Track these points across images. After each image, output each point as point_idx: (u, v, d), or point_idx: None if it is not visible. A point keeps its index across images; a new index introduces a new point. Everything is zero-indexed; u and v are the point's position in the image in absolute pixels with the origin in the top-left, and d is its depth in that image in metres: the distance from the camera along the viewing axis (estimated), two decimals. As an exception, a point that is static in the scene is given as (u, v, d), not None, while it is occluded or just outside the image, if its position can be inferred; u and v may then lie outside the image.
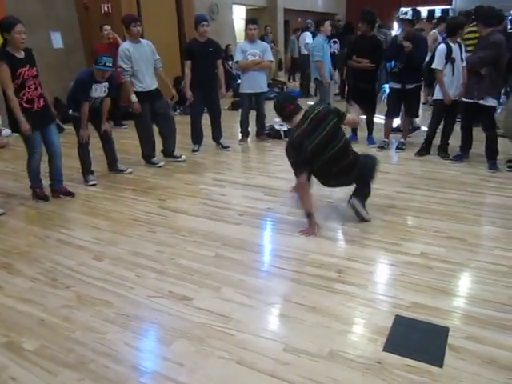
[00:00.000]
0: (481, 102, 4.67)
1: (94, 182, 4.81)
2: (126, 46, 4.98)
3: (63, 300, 2.70)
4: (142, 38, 5.18)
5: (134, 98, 5.00)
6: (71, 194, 4.50)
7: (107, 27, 7.40)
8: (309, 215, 3.44)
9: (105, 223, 3.83)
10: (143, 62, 5.03)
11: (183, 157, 5.60)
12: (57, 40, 8.37)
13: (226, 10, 12.41)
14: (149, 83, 5.11)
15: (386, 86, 6.33)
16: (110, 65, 4.45)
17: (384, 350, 2.17)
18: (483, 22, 4.62)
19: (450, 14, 15.43)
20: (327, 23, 6.52)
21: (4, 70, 3.81)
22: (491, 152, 4.87)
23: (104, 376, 2.07)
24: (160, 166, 5.34)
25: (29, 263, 3.17)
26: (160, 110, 5.23)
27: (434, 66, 4.98)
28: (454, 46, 4.91)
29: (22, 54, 3.96)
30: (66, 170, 5.02)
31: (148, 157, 5.42)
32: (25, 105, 3.99)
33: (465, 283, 2.82)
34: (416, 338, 2.25)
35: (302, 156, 3.36)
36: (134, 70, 4.97)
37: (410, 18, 5.20)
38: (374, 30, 6.11)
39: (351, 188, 3.67)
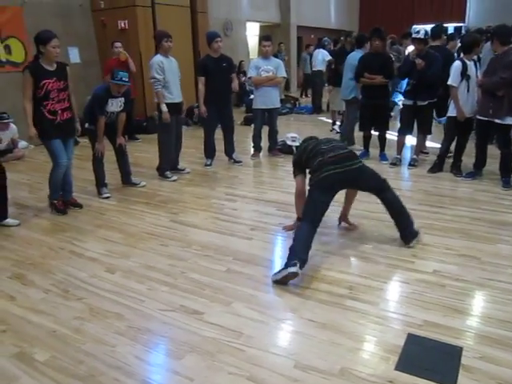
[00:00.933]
0: (498, 120, 4.65)
1: (108, 195, 4.86)
2: (159, 58, 5.13)
3: (75, 312, 2.72)
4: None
5: (164, 107, 5.11)
6: (80, 206, 4.55)
7: (118, 44, 7.59)
8: (298, 219, 3.58)
9: (117, 236, 3.86)
10: (172, 75, 5.19)
11: (187, 169, 5.74)
12: (74, 55, 8.55)
13: (239, 27, 12.59)
14: (177, 95, 5.25)
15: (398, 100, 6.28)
16: (127, 79, 4.55)
17: (396, 368, 2.14)
18: (500, 40, 4.61)
19: (463, 31, 15.46)
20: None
21: (26, 78, 3.97)
22: (505, 170, 4.83)
23: (114, 389, 2.07)
24: (174, 180, 5.39)
25: (42, 274, 3.20)
26: (177, 127, 5.34)
27: (449, 82, 4.98)
28: (470, 64, 4.92)
29: (53, 67, 4.10)
30: (81, 182, 5.10)
31: (163, 169, 5.47)
32: (47, 115, 4.09)
33: (478, 302, 2.78)
34: (429, 358, 2.22)
35: (300, 158, 3.62)
36: (165, 81, 5.11)
37: (422, 37, 5.24)
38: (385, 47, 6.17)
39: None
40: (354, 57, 6.24)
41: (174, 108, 5.19)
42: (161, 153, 5.43)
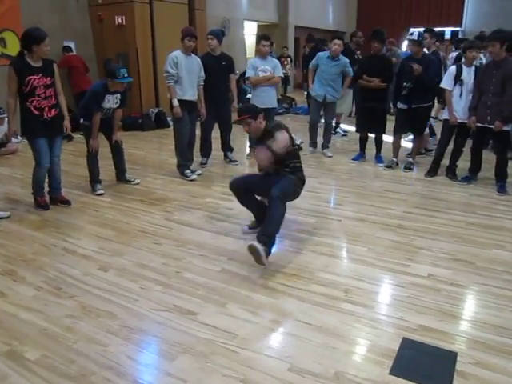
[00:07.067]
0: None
1: (102, 192, 4.82)
2: (175, 53, 5.16)
3: (67, 310, 2.68)
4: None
5: (175, 102, 5.12)
6: (68, 203, 4.48)
7: None
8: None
9: (111, 233, 3.82)
10: (188, 72, 5.18)
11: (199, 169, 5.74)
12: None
13: (237, 26, 12.56)
14: (189, 93, 5.23)
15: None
16: (127, 75, 4.55)
17: (391, 373, 2.13)
18: (501, 43, 4.52)
19: (460, 35, 15.51)
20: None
21: (10, 74, 3.94)
22: (501, 175, 4.84)
23: (106, 389, 2.04)
24: (192, 180, 5.30)
25: (33, 271, 3.16)
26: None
27: (441, 85, 5.08)
28: (468, 69, 4.92)
29: (39, 63, 4.04)
30: (74, 178, 5.05)
31: (182, 166, 5.41)
32: (33, 110, 4.05)
33: (472, 307, 2.78)
34: (424, 362, 2.21)
35: None
36: (178, 76, 5.11)
37: (415, 38, 5.25)
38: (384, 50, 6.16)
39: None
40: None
41: (184, 104, 5.17)
42: (176, 148, 5.41)
